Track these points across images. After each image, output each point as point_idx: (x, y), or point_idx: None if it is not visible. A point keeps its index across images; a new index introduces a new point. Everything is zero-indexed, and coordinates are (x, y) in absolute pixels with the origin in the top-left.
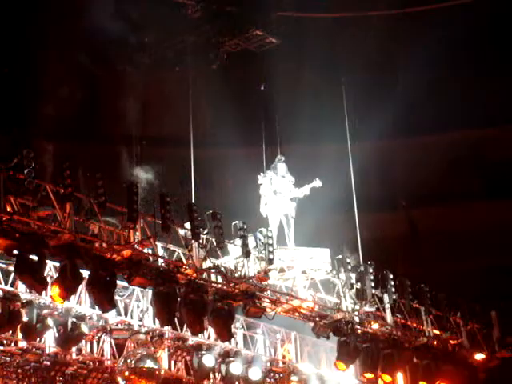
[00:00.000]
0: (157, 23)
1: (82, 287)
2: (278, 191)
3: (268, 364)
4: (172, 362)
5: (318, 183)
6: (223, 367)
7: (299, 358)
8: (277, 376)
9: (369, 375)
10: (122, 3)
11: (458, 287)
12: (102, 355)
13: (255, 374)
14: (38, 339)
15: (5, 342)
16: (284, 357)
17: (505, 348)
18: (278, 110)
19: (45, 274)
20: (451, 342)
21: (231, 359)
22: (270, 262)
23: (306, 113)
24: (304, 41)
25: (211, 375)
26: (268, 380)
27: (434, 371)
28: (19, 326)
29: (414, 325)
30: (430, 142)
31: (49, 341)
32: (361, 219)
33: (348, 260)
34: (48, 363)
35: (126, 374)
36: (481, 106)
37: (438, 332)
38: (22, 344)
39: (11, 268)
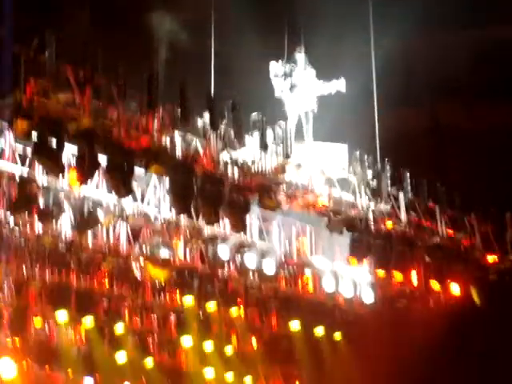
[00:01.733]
0: None
1: (99, 173)
2: (298, 84)
3: (282, 257)
4: (187, 252)
5: (342, 84)
6: (238, 258)
7: (314, 252)
8: (290, 269)
9: (381, 272)
10: None
11: (475, 187)
12: (118, 242)
13: (269, 265)
14: (54, 223)
15: (20, 224)
16: (298, 250)
17: None
18: (301, 6)
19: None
20: (464, 242)
21: (246, 250)
22: (288, 156)
23: (330, 12)
24: None
25: (225, 265)
26: (282, 273)
27: (446, 271)
28: (35, 210)
29: (428, 224)
30: (455, 40)
31: (65, 226)
32: (382, 116)
33: (365, 157)
34: (63, 247)
35: (141, 261)
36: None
37: (451, 232)
38: (38, 228)
39: (29, 150)
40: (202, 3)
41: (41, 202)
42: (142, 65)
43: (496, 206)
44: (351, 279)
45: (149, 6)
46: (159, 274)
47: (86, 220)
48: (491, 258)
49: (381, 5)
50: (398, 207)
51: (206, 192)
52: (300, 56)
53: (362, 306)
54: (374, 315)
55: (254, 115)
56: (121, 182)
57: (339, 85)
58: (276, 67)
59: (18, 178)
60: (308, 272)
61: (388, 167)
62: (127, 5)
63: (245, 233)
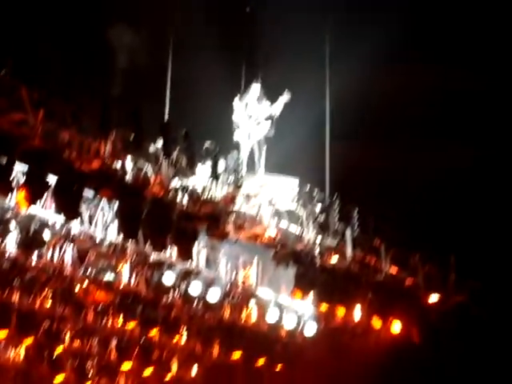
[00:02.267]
0: None
1: (48, 194)
2: (253, 116)
3: (228, 286)
4: (132, 277)
5: (287, 96)
6: (183, 286)
7: (259, 283)
8: (235, 299)
9: (323, 307)
10: None
11: (422, 226)
12: (63, 263)
13: (214, 295)
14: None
15: None
16: (244, 281)
17: (460, 292)
18: (260, 32)
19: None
20: (407, 281)
21: (191, 278)
22: (238, 186)
23: (288, 37)
24: None
25: (170, 293)
26: (226, 302)
27: (388, 308)
28: None
29: (373, 261)
30: (407, 77)
31: (10, 244)
32: (333, 151)
33: (315, 192)
34: (7, 266)
35: (85, 283)
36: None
37: (395, 270)
38: None
39: None
40: (161, 27)
41: None
42: (97, 88)
43: (440, 247)
44: (295, 312)
45: (106, 29)
46: (101, 298)
47: (31, 239)
48: (433, 298)
49: (337, 40)
50: (345, 243)
51: (154, 218)
52: (256, 88)
53: (303, 338)
54: (315, 348)
55: (207, 144)
56: (69, 205)
57: (285, 98)
58: (236, 101)
59: None
60: (252, 303)
61: (336, 203)
62: (85, 27)
63: (191, 261)
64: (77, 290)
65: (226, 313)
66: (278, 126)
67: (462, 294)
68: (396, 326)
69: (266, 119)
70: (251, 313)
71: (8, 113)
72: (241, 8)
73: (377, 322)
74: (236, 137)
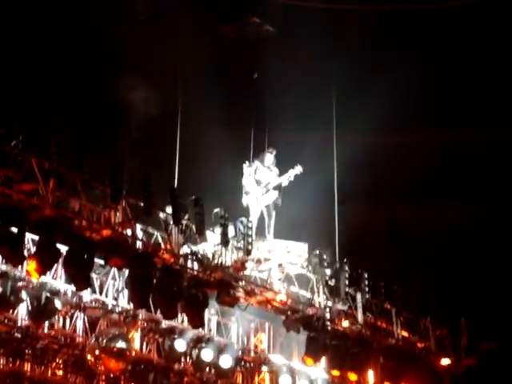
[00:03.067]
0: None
1: (58, 263)
2: (262, 181)
3: (240, 352)
4: (144, 344)
5: (299, 169)
6: (194, 352)
7: (271, 349)
8: (248, 365)
9: (336, 372)
10: None
11: (432, 289)
12: (74, 332)
13: (226, 361)
14: (11, 311)
15: None
16: (256, 346)
17: (471, 355)
18: (267, 97)
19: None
20: (419, 345)
21: (203, 345)
22: (248, 252)
23: (296, 102)
24: (298, 29)
25: (182, 359)
26: (239, 369)
27: (400, 373)
28: None
29: (384, 325)
30: (418, 140)
31: (21, 313)
32: (341, 212)
33: (324, 256)
34: (19, 336)
35: (97, 352)
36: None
37: (406, 334)
38: None
39: None
40: (169, 95)
41: None
42: (107, 156)
43: (451, 311)
44: (308, 377)
45: (116, 97)
46: (113, 367)
47: (43, 309)
48: (445, 362)
49: (344, 100)
50: (355, 307)
51: (164, 286)
52: (268, 156)
53: None
54: None
55: (217, 210)
56: (80, 275)
57: (296, 170)
58: (246, 166)
59: None
60: (265, 369)
61: (346, 267)
62: (94, 96)
63: (203, 328)
64: (89, 358)
65: (239, 379)
66: (286, 190)
67: (474, 357)
68: None
69: (275, 188)
70: (264, 379)
71: (19, 183)
72: (249, 72)
73: None
74: (245, 202)
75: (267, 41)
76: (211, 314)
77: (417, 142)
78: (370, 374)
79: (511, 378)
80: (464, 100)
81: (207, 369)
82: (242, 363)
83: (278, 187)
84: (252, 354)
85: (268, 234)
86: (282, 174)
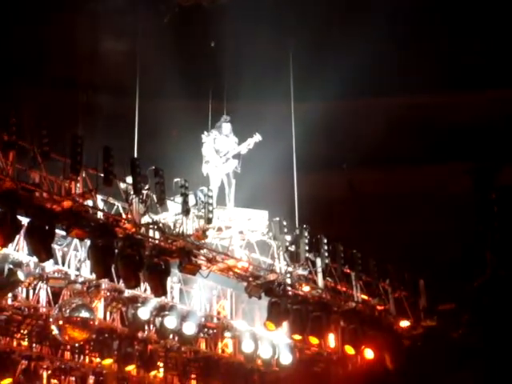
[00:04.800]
0: None
1: (20, 234)
2: (221, 150)
3: (202, 319)
4: (107, 313)
5: (258, 137)
6: (158, 320)
7: (234, 315)
8: (211, 331)
9: (297, 337)
10: None
11: (390, 252)
12: (38, 302)
13: (189, 328)
14: None
15: None
16: (219, 313)
17: (430, 317)
18: (225, 67)
19: None
20: (378, 308)
21: (166, 313)
22: (209, 221)
23: (254, 71)
24: None
25: (145, 327)
26: (202, 335)
27: (360, 336)
28: None
29: (344, 289)
30: (375, 106)
31: None
32: (301, 180)
33: (284, 223)
34: None
35: (61, 322)
36: (428, 71)
37: (366, 297)
38: None
39: None
40: (128, 66)
41: None
42: (65, 128)
43: (410, 273)
44: (270, 342)
45: (73, 65)
46: (77, 336)
47: (6, 281)
48: (404, 324)
49: (302, 70)
50: (315, 272)
51: (126, 255)
52: (225, 125)
53: (280, 367)
54: (293, 377)
55: (177, 180)
56: (42, 246)
57: (255, 138)
58: (204, 136)
59: None
60: (228, 334)
61: (306, 233)
62: (50, 64)
63: (165, 296)
64: (53, 328)
65: (202, 345)
66: (245, 159)
67: (433, 319)
68: (369, 353)
69: (234, 157)
70: (227, 344)
71: None
72: (205, 42)
73: (350, 350)
74: (205, 171)
75: (224, 9)
76: (173, 282)
77: (374, 107)
78: (331, 338)
79: (470, 338)
80: (423, 64)
81: (171, 336)
82: (205, 330)
83: (238, 156)
84: (215, 320)
85: (228, 203)
86: (241, 143)
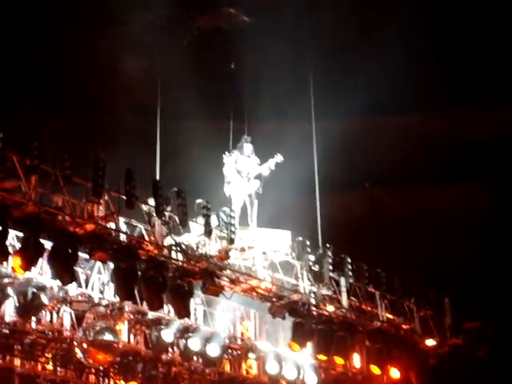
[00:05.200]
0: None
1: (43, 258)
2: (242, 171)
3: (226, 340)
4: (131, 336)
5: (279, 158)
6: (182, 342)
7: (257, 336)
8: (235, 353)
9: (322, 357)
10: None
11: (414, 271)
12: (61, 326)
13: (213, 350)
14: None
15: None
16: (242, 334)
17: (456, 335)
18: (245, 88)
19: (7, 244)
20: (404, 326)
21: (190, 335)
22: (231, 241)
23: (273, 92)
24: (275, 20)
25: (169, 350)
26: (226, 356)
27: (386, 355)
28: None
29: (369, 309)
30: (396, 125)
31: (8, 310)
32: (323, 200)
33: (307, 242)
34: (7, 332)
35: (85, 345)
36: (445, 90)
37: (391, 316)
38: None
39: None
40: (149, 87)
41: None
42: (87, 151)
43: (434, 291)
44: (294, 363)
45: (94, 87)
46: (102, 359)
47: (29, 304)
48: (430, 343)
49: (322, 90)
50: (340, 292)
51: (149, 277)
52: (246, 145)
53: None
54: None
55: (199, 201)
56: (65, 270)
57: (276, 159)
58: (226, 156)
59: None
60: (252, 356)
61: (329, 252)
62: (72, 87)
63: (189, 318)
64: (77, 351)
65: (226, 367)
66: (267, 179)
67: (459, 337)
68: (395, 373)
69: (256, 177)
70: (251, 366)
71: (1, 181)
72: (226, 63)
73: (375, 370)
74: (227, 191)
75: (244, 31)
76: (197, 304)
77: (394, 126)
78: (356, 358)
79: (495, 355)
80: (442, 85)
81: (195, 358)
82: (229, 351)
83: (259, 176)
84: (239, 341)
85: (251, 223)
86: (262, 163)
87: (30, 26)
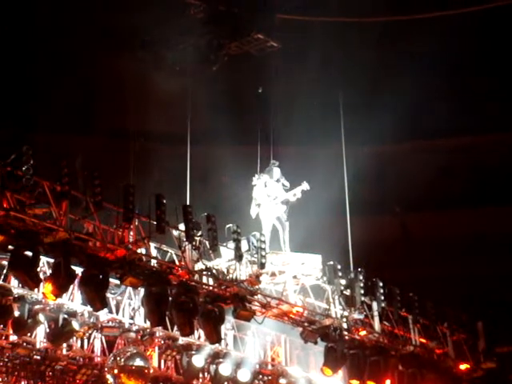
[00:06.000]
0: (159, 21)
1: (74, 284)
2: (271, 195)
3: (257, 366)
4: (162, 361)
5: (305, 186)
6: (212, 368)
7: (288, 361)
8: (265, 378)
9: (355, 382)
10: None
11: (447, 295)
12: (92, 352)
13: (244, 375)
14: (29, 334)
15: None
16: (273, 359)
17: (490, 359)
18: (274, 112)
19: (38, 270)
20: (437, 351)
21: (220, 360)
22: (262, 266)
23: (303, 115)
24: (303, 44)
25: (200, 375)
26: (257, 382)
27: (419, 380)
28: (10, 321)
29: (401, 333)
30: (426, 148)
31: (40, 336)
32: (353, 223)
33: (338, 266)
34: (38, 358)
35: (116, 371)
36: (475, 113)
37: (424, 341)
38: (13, 338)
39: (4, 263)
40: (178, 111)
41: (16, 313)
42: (117, 176)
43: (468, 315)
44: None
45: (124, 114)
46: None
47: (60, 331)
48: (464, 367)
49: (351, 113)
50: (372, 316)
51: (180, 302)
52: (275, 169)
53: None
54: None
55: (229, 226)
56: (96, 296)
57: (303, 187)
58: (255, 179)
59: None
60: (283, 381)
61: (361, 276)
62: (102, 114)
63: (220, 343)
64: (108, 377)
65: None
66: (297, 203)
67: (493, 361)
68: None
69: (283, 202)
70: None
71: (32, 207)
72: (253, 89)
73: None
74: (253, 213)
75: (272, 56)
76: (227, 329)
77: (424, 149)
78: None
79: None
80: (474, 109)
81: (225, 383)
82: (260, 377)
83: (286, 202)
84: (269, 367)
85: (284, 247)
86: (292, 187)
87: (63, 50)
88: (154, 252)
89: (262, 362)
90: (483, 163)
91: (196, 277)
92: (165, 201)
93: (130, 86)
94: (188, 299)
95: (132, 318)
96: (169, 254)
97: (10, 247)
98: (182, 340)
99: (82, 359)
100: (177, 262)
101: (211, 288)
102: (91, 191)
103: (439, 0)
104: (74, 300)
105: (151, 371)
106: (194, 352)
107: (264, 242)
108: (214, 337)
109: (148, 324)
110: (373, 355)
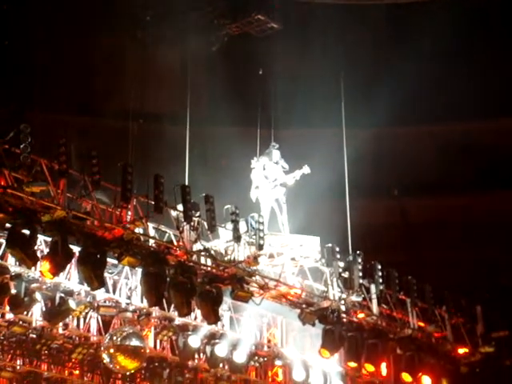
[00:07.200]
0: (159, 1)
1: (71, 263)
2: (270, 177)
3: (253, 347)
4: (158, 341)
5: (306, 169)
6: (208, 348)
7: (284, 343)
8: (261, 360)
9: (352, 364)
10: None
11: (445, 279)
12: (89, 331)
13: (240, 356)
14: (26, 312)
15: None
16: (269, 341)
17: (488, 343)
18: (274, 94)
19: (35, 248)
20: (435, 334)
21: (216, 341)
22: (260, 247)
23: (303, 98)
24: (304, 26)
25: (196, 356)
26: (252, 363)
27: (417, 363)
28: (7, 299)
29: (400, 316)
30: (425, 132)
31: (36, 314)
32: (352, 206)
33: (337, 249)
34: (34, 336)
35: (111, 350)
36: (476, 97)
37: (422, 324)
38: (9, 316)
39: (2, 241)
40: (177, 92)
41: (13, 291)
42: (116, 156)
43: (466, 299)
44: (321, 370)
45: (123, 94)
46: (128, 365)
47: (57, 309)
48: (462, 351)
49: (351, 96)
50: (370, 299)
51: (178, 283)
52: (275, 152)
53: None
54: None
55: (228, 207)
56: (93, 275)
57: (303, 170)
58: (254, 161)
59: None
60: (278, 362)
61: (359, 259)
62: (101, 94)
63: (216, 324)
64: (104, 357)
65: (253, 374)
66: (296, 186)
67: (491, 345)
68: (426, 381)
69: (282, 185)
70: (277, 373)
71: (29, 185)
72: (254, 69)
73: (406, 378)
74: (253, 196)
75: (272, 37)
76: (224, 310)
77: (424, 133)
78: (383, 366)
79: None
80: (473, 90)
81: (221, 364)
82: (256, 358)
83: (284, 184)
84: (265, 348)
85: (282, 228)
86: (291, 169)
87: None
88: (152, 232)
89: (257, 344)
90: (482, 147)
91: (194, 257)
92: (163, 181)
93: (129, 66)
94: (186, 280)
95: (129, 297)
96: (167, 234)
97: (7, 225)
98: (178, 320)
99: (77, 338)
100: (175, 243)
101: (209, 269)
102: (89, 170)
103: None
104: (70, 279)
105: (147, 351)
106: (190, 333)
107: (262, 223)
108: (212, 317)
109: (145, 304)
110: (370, 338)
